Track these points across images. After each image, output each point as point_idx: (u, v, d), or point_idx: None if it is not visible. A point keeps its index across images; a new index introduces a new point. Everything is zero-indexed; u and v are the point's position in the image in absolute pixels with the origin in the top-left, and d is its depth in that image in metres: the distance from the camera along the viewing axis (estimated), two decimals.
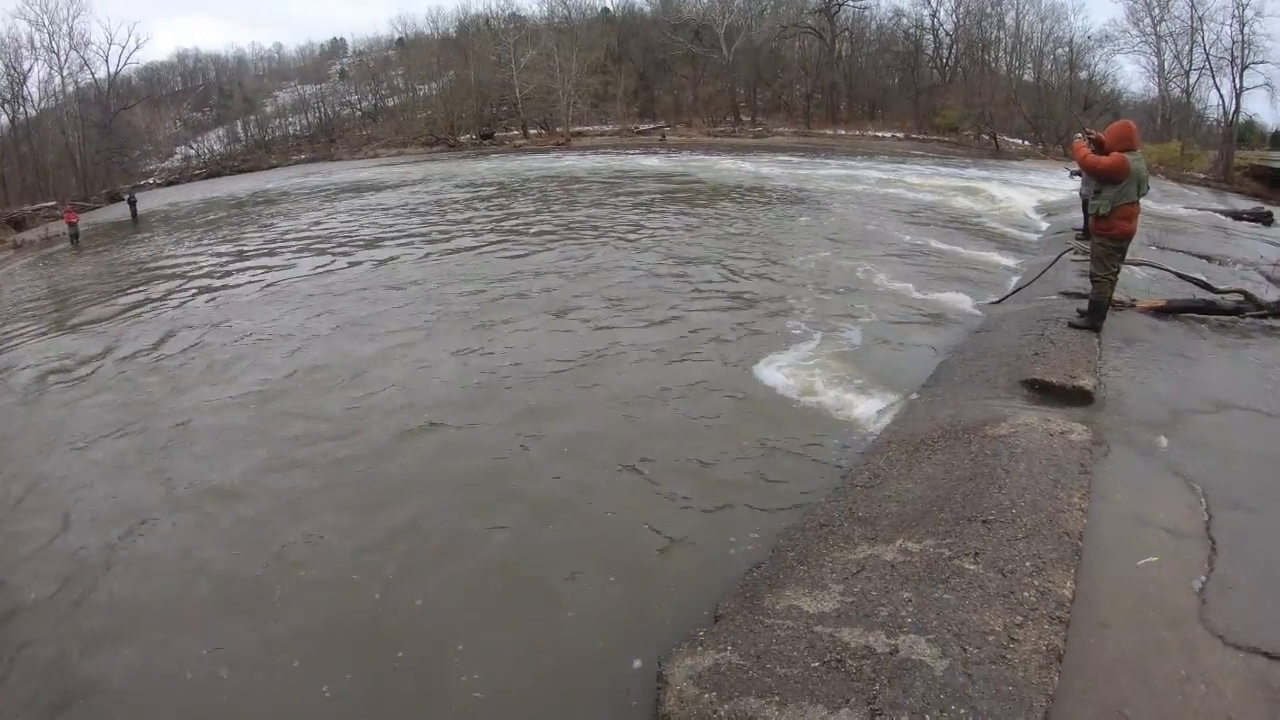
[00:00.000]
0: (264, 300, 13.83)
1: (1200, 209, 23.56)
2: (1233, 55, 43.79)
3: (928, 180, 29.41)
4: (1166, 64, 49.37)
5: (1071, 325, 8.52)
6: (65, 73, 57.10)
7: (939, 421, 6.63)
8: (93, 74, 60.83)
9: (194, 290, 15.61)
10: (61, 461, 7.83)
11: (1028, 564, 4.21)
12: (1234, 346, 8.39)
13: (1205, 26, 45.74)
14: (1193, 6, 45.89)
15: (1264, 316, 9.24)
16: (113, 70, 62.13)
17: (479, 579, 5.21)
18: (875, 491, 5.59)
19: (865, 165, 36.93)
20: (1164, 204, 22.90)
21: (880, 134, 61.12)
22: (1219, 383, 7.16)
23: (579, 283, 13.04)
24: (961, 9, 63.41)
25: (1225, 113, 45.09)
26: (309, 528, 6.02)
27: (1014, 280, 12.49)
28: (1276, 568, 4.34)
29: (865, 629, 3.91)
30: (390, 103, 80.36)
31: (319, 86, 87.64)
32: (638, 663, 4.28)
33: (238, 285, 15.52)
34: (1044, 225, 19.31)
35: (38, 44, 55.86)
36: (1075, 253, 11.95)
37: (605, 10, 77.39)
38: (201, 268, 18.51)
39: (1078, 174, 14.34)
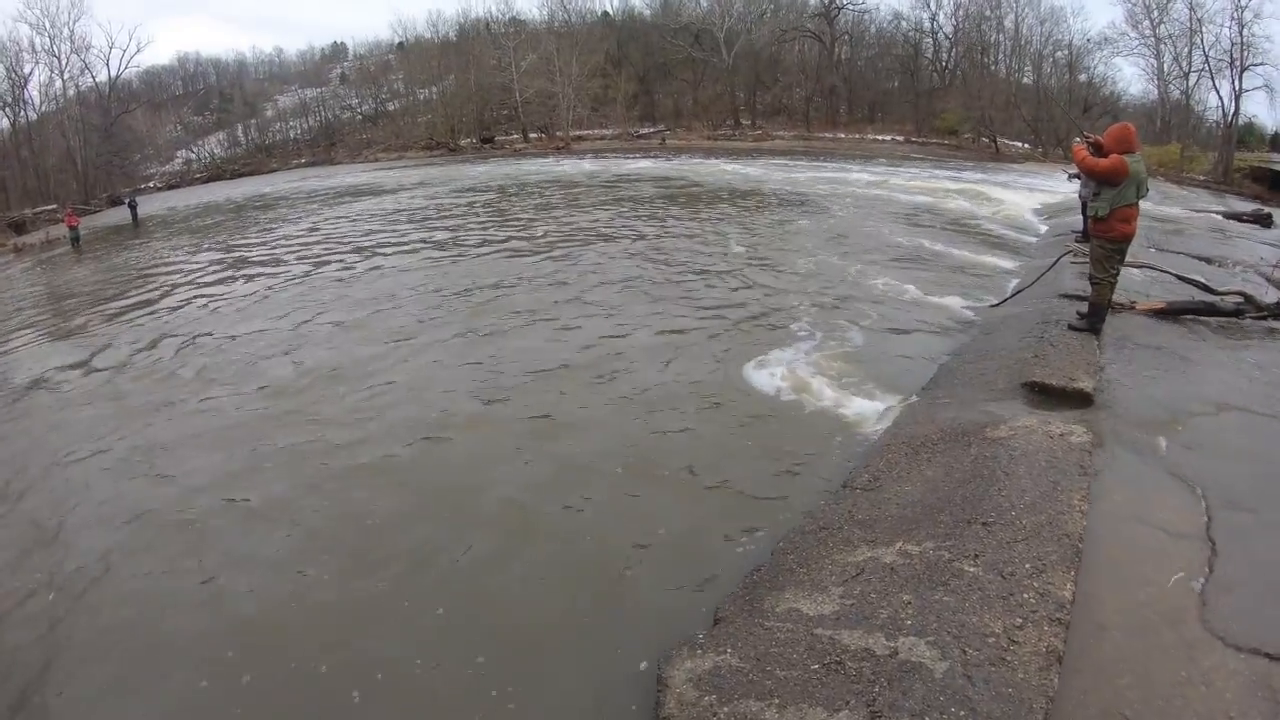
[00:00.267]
0: (264, 305, 13.81)
1: (1200, 211, 23.58)
2: (1232, 57, 43.82)
3: (927, 183, 29.43)
4: (1166, 66, 49.43)
5: (1071, 327, 8.52)
6: (66, 76, 57.09)
7: (939, 424, 6.64)
8: (93, 77, 60.85)
9: (195, 294, 15.59)
10: (63, 465, 7.81)
11: (1027, 566, 4.21)
12: (1234, 348, 8.39)
13: (1204, 29, 45.80)
14: (1192, 9, 45.95)
15: (1264, 318, 9.25)
16: (113, 74, 62.11)
17: (477, 582, 5.21)
18: (875, 494, 5.60)
19: (865, 168, 36.94)
20: (1163, 206, 22.93)
21: (880, 137, 61.10)
22: (1219, 384, 7.15)
23: (577, 287, 13.03)
24: (961, 12, 63.49)
25: (1224, 115, 45.12)
26: (308, 531, 6.02)
27: (1013, 283, 12.49)
28: (1276, 569, 4.34)
29: (865, 631, 3.91)
30: (390, 107, 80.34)
31: (319, 90, 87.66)
32: (638, 665, 4.27)
33: (238, 290, 15.50)
34: (1043, 228, 19.31)
35: (39, 48, 55.74)
36: (1075, 255, 11.95)
37: (605, 14, 77.46)
38: (202, 272, 18.49)
39: (1076, 176, 14.34)
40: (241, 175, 65.21)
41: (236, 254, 20.80)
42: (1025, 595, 3.97)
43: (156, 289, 16.84)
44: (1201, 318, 9.37)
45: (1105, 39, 53.99)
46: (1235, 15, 43.00)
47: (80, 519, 6.60)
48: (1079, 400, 6.74)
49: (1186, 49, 47.31)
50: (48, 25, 55.55)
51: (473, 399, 8.44)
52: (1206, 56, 45.94)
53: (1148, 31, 49.33)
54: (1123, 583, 4.25)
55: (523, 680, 4.29)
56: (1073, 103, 53.49)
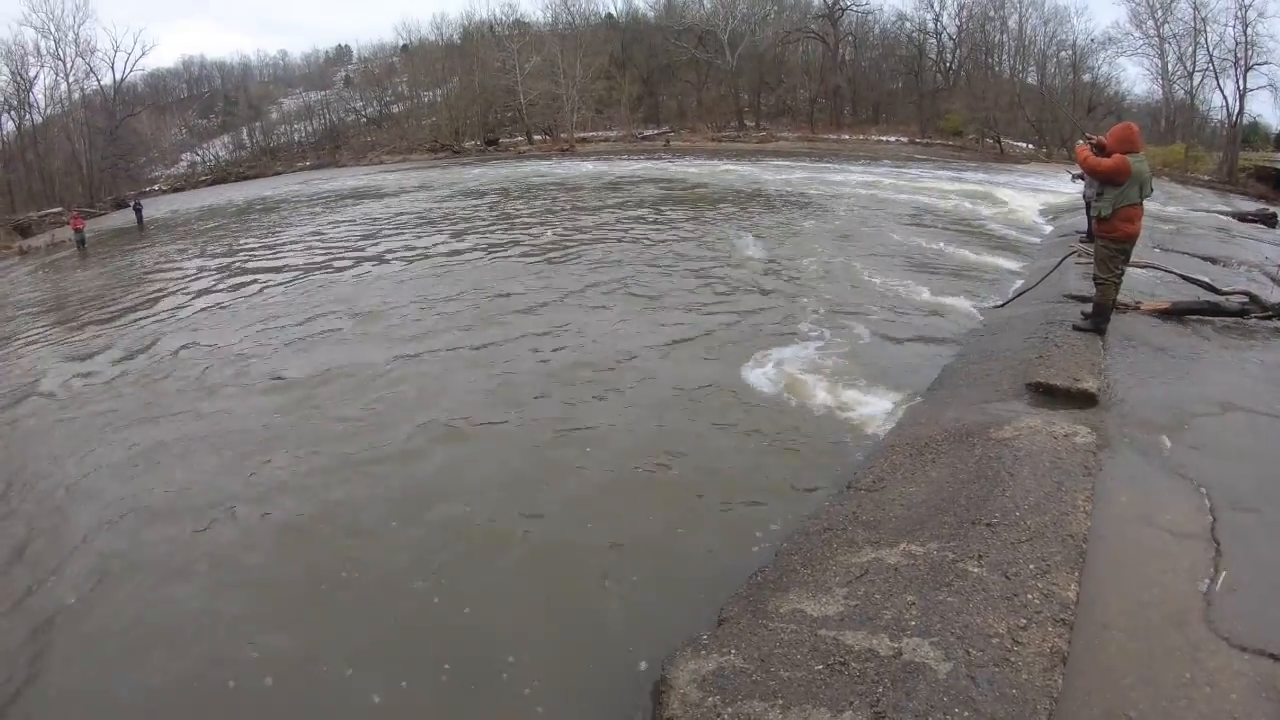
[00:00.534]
0: (269, 308, 13.85)
1: (1204, 211, 23.55)
2: (1236, 57, 43.69)
3: (932, 184, 29.44)
4: (1170, 66, 49.28)
5: (1076, 328, 8.51)
6: (71, 80, 57.11)
7: (943, 425, 6.63)
8: (98, 81, 60.81)
9: (200, 298, 15.66)
10: (68, 467, 7.83)
11: (1031, 566, 4.21)
12: (1238, 348, 8.37)
13: (1208, 28, 45.67)
14: (1196, 8, 45.82)
15: (1269, 318, 9.22)
16: (118, 77, 62.06)
17: (479, 582, 5.21)
18: (879, 495, 5.59)
19: (869, 169, 36.96)
20: (1168, 206, 22.91)
21: (884, 138, 60.98)
22: (1223, 384, 7.14)
23: (580, 289, 13.04)
24: (964, 13, 63.34)
25: (1229, 114, 44.98)
26: (320, 532, 6.04)
27: (1018, 283, 12.50)
28: None
29: (869, 632, 3.90)
30: (395, 109, 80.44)
31: (324, 93, 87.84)
32: (641, 666, 4.28)
33: (242, 293, 15.54)
34: (1048, 229, 19.31)
35: (44, 51, 55.71)
36: (1079, 256, 11.93)
37: (609, 16, 77.47)
38: (206, 275, 18.56)
39: (1079, 177, 14.33)
40: (246, 178, 65.25)
41: (241, 257, 20.87)
42: (1029, 596, 3.97)
43: (162, 292, 16.89)
44: (1206, 318, 9.35)
45: (1109, 39, 53.91)
46: (1239, 14, 42.89)
47: (83, 521, 6.62)
48: (1083, 401, 6.73)
49: (1190, 48, 47.22)
50: (53, 29, 55.61)
51: (477, 401, 8.45)
52: (1211, 56, 45.84)
53: (1152, 31, 49.23)
54: (1127, 583, 4.24)
55: (525, 680, 4.30)
56: (1077, 103, 53.43)
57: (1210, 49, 45.72)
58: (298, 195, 40.04)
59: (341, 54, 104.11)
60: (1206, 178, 40.10)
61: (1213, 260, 13.67)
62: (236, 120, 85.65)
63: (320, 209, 31.45)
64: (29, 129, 54.16)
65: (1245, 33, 42.80)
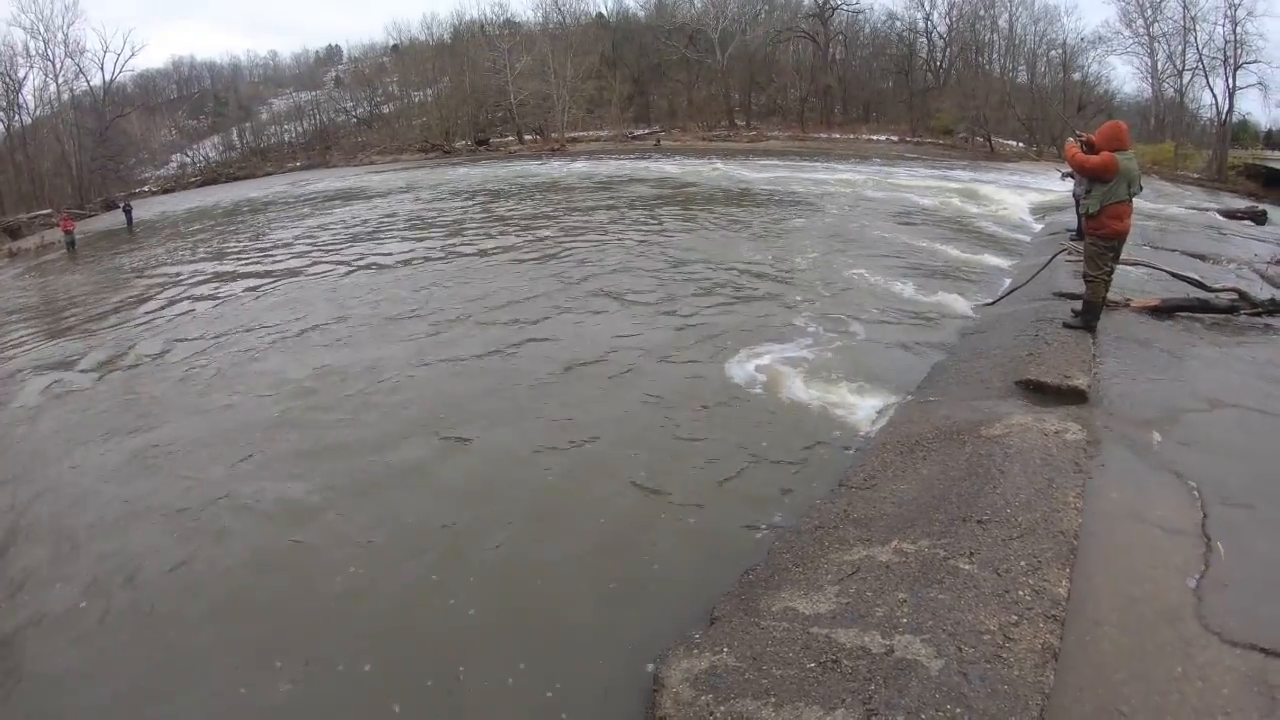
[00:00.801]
0: (261, 309, 13.81)
1: (1194, 208, 23.64)
2: (1225, 55, 44.00)
3: (922, 182, 29.50)
4: (1159, 64, 49.68)
5: (1066, 325, 8.53)
6: (60, 80, 56.90)
7: (934, 422, 6.64)
8: (88, 81, 60.59)
9: (190, 299, 15.60)
10: (64, 470, 7.79)
11: (1023, 563, 4.21)
12: (1228, 345, 8.40)
13: (1198, 27, 46.03)
14: (1185, 7, 46.16)
15: (1258, 314, 9.26)
16: (108, 78, 61.87)
17: (472, 585, 5.20)
18: (870, 493, 5.60)
19: (859, 168, 37.02)
20: (1158, 203, 23.00)
21: (875, 137, 61.12)
22: (1213, 381, 7.16)
23: (569, 290, 13.03)
24: (955, 12, 63.55)
25: (1218, 112, 45.31)
26: (307, 531, 6.02)
27: (1008, 281, 12.52)
28: (1272, 564, 4.34)
29: (861, 630, 3.91)
30: (385, 109, 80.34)
31: (314, 94, 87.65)
32: (634, 666, 4.27)
33: (232, 295, 15.49)
34: (1038, 227, 19.35)
35: (33, 51, 55.53)
36: (1069, 253, 11.96)
37: (600, 16, 77.47)
38: (197, 276, 18.48)
39: (1069, 175, 14.37)
40: (237, 179, 65.10)
41: (231, 259, 20.81)
42: (1021, 592, 3.97)
43: (152, 294, 16.81)
44: (1196, 315, 9.38)
45: (1099, 38, 54.28)
46: (1228, 13, 43.23)
47: (80, 524, 6.58)
48: (1074, 398, 6.74)
49: (1180, 47, 47.59)
50: (42, 29, 55.44)
51: (471, 401, 8.42)
52: (1200, 54, 46.16)
53: (1141, 30, 49.62)
54: (1118, 579, 4.25)
55: (518, 680, 4.29)
56: (1067, 102, 53.58)
57: (1200, 48, 46.11)
58: (288, 196, 39.96)
59: (332, 54, 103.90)
60: (1196, 175, 40.34)
61: (1202, 257, 13.72)
62: (226, 121, 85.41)
63: (310, 210, 31.38)
64: (18, 130, 53.97)
65: (1234, 31, 43.17)
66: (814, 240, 16.67)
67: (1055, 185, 22.92)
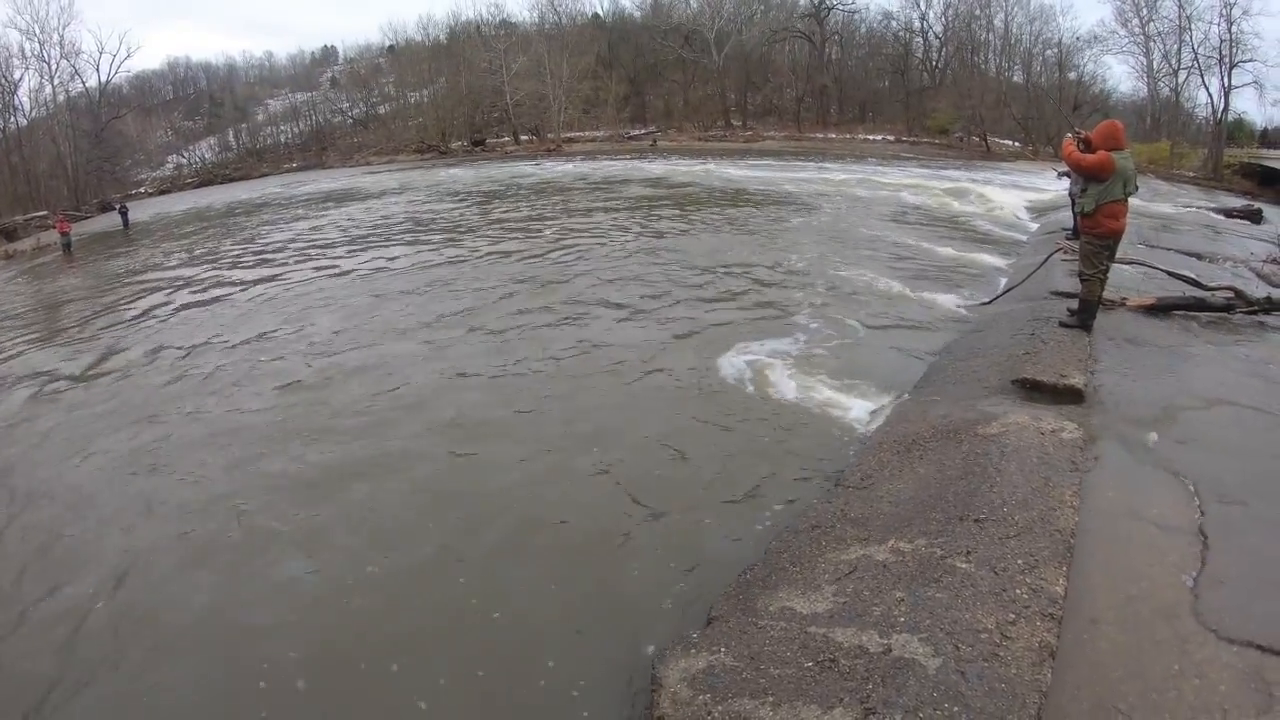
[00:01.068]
0: (258, 310, 13.80)
1: (1190, 207, 23.66)
2: (1221, 54, 44.00)
3: (918, 182, 29.49)
4: (1155, 64, 49.63)
5: (1062, 324, 8.54)
6: (56, 82, 56.73)
7: (931, 421, 6.64)
8: (84, 83, 60.39)
9: (187, 300, 15.59)
10: (65, 471, 7.78)
11: (1020, 562, 4.22)
12: (1224, 343, 8.41)
13: (1193, 26, 46.00)
14: (1180, 6, 46.14)
15: (1254, 313, 9.28)
16: (104, 79, 61.71)
17: (467, 582, 5.20)
18: (867, 492, 5.60)
19: (855, 168, 37.02)
20: (1154, 202, 23.00)
21: (871, 137, 61.17)
22: (1209, 379, 7.17)
23: (567, 288, 13.04)
24: (950, 11, 63.61)
25: (1214, 111, 45.34)
26: (312, 530, 6.02)
27: (1004, 280, 12.54)
28: (1268, 561, 4.35)
29: (858, 629, 3.91)
30: (381, 110, 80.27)
31: (310, 94, 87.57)
32: (631, 666, 4.27)
33: (230, 296, 15.48)
34: (1034, 226, 19.38)
35: (28, 53, 55.37)
36: (1065, 252, 11.97)
37: (595, 16, 77.42)
38: (193, 277, 18.47)
39: (1065, 174, 14.40)
40: (233, 180, 64.96)
41: (227, 260, 20.78)
42: (1018, 591, 3.98)
43: (149, 296, 16.78)
44: (1192, 313, 9.40)
45: (1095, 37, 54.18)
46: (1224, 12, 43.20)
47: (84, 527, 6.57)
48: (1070, 396, 6.75)
49: (1176, 46, 47.57)
50: (37, 31, 55.25)
51: (472, 400, 8.44)
52: (1196, 54, 46.14)
53: (1137, 29, 49.54)
54: (1115, 577, 4.25)
55: (516, 680, 4.29)
56: (1063, 101, 53.64)
57: (1195, 47, 46.09)
58: (284, 198, 39.88)
59: (328, 55, 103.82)
60: (1192, 174, 40.38)
61: (1198, 256, 13.75)
62: (222, 122, 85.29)
63: (307, 211, 31.35)
64: (14, 132, 53.81)
65: (1230, 30, 43.17)
66: (810, 240, 16.68)
67: (1051, 184, 22.98)
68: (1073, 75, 56.42)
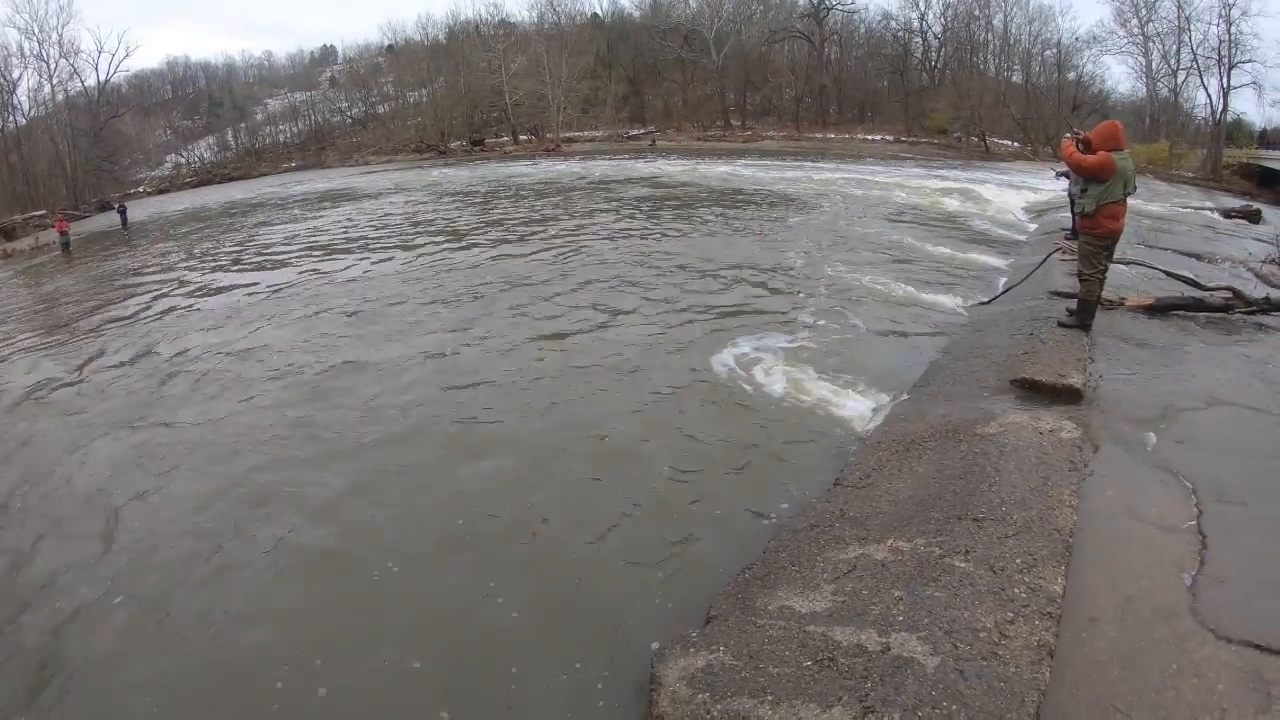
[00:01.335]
0: (259, 309, 13.78)
1: (1189, 207, 23.70)
2: (1220, 55, 44.10)
3: (917, 182, 29.52)
4: (1154, 64, 49.75)
5: (1061, 324, 8.54)
6: (55, 81, 56.86)
7: (929, 421, 6.65)
8: (82, 82, 60.55)
9: (187, 299, 15.56)
10: (72, 468, 7.74)
11: (1018, 561, 4.22)
12: (1222, 343, 8.42)
13: (1192, 26, 46.16)
14: (1180, 7, 46.24)
15: (1252, 313, 9.29)
16: (103, 78, 61.84)
17: (467, 581, 5.20)
18: (866, 491, 5.60)
19: (855, 168, 37.05)
20: (1153, 203, 23.04)
21: (870, 137, 61.32)
22: (1208, 379, 7.18)
23: (566, 287, 13.01)
24: (950, 12, 63.78)
25: (1213, 112, 45.45)
26: (320, 526, 6.02)
27: (1003, 280, 12.54)
28: (1267, 561, 4.35)
29: (857, 628, 3.91)
30: (380, 110, 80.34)
31: (309, 94, 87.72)
32: (630, 664, 4.27)
33: (229, 294, 15.47)
34: (1032, 226, 19.40)
35: (27, 52, 55.52)
36: (1064, 253, 11.98)
37: (595, 16, 77.54)
38: (192, 276, 18.46)
39: (1064, 174, 14.41)
40: (232, 179, 65.09)
41: (225, 259, 20.77)
42: (1016, 590, 3.98)
43: (148, 295, 16.76)
44: (1190, 313, 9.41)
45: (1094, 37, 54.41)
46: (1223, 13, 43.34)
47: (93, 526, 6.54)
48: (1069, 396, 6.75)
49: (1175, 47, 47.69)
50: (36, 30, 55.44)
51: (465, 402, 8.41)
52: (1195, 54, 46.26)
53: (1136, 30, 49.66)
54: (1114, 576, 4.26)
55: (515, 679, 4.29)
56: (1062, 101, 53.73)
57: (1194, 47, 46.23)
58: (283, 198, 39.89)
59: (327, 54, 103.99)
60: (1191, 175, 40.47)
61: (1197, 256, 13.77)
62: (221, 121, 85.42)
63: (306, 211, 31.34)
64: (12, 131, 53.88)
65: (1229, 31, 43.30)
66: (809, 239, 16.67)
67: (1050, 184, 23.00)
68: (1071, 76, 56.66)
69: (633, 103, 72.66)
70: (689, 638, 4.13)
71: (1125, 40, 50.82)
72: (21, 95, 55.31)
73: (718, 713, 3.49)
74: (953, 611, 3.86)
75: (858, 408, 7.60)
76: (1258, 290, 10.12)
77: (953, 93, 59.08)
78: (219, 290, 16.03)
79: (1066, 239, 13.34)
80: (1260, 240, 17.00)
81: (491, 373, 9.16)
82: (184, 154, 78.89)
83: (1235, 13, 42.69)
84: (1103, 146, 7.80)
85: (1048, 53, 57.80)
